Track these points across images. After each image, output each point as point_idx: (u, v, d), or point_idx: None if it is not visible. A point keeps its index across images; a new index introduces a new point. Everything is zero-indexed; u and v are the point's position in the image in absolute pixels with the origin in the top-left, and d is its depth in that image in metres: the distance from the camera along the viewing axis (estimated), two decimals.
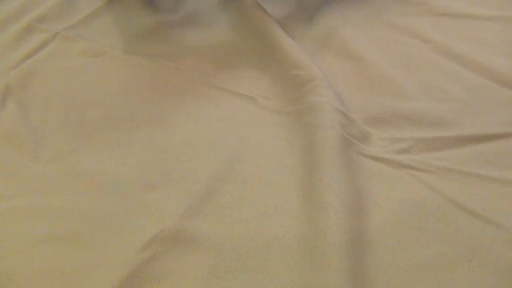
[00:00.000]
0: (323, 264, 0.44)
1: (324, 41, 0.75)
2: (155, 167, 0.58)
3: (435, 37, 0.74)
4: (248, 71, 0.71)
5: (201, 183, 0.55)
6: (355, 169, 0.52)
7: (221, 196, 0.54)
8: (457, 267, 0.44)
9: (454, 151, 0.55)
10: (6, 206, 0.55)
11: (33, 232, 0.52)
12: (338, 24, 0.78)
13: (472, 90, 0.63)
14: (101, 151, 0.61)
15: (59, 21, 0.88)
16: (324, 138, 0.54)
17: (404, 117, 0.60)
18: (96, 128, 0.65)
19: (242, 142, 0.60)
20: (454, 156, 0.54)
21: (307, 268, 0.45)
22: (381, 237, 0.47)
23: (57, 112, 0.68)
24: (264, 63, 0.71)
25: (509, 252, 0.45)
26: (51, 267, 0.48)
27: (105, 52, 0.80)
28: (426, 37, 0.74)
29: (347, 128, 0.56)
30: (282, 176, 0.54)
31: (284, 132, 0.60)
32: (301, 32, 0.77)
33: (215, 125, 0.63)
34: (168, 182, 0.56)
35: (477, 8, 0.79)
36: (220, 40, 0.77)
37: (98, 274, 0.48)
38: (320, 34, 0.76)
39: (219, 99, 0.67)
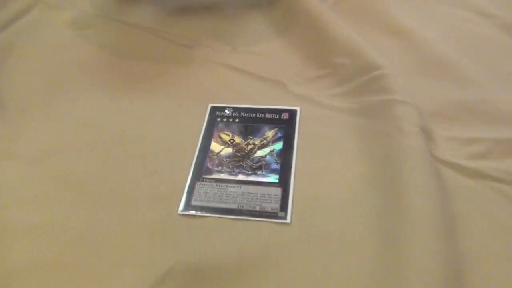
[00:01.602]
0: None
1: (361, 13, 0.62)
2: (162, 172, 0.46)
3: (494, 11, 0.61)
4: (273, 50, 0.58)
5: None
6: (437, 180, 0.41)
7: None
8: None
9: None
10: None
11: (14, 256, 0.41)
12: None
13: None
14: (92, 150, 0.49)
15: None
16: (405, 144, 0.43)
17: (473, 110, 0.48)
18: (85, 120, 0.52)
19: None
20: None
21: None
22: (468, 268, 0.36)
23: (39, 98, 0.55)
24: (294, 40, 0.58)
25: None
26: None
27: (95, 23, 0.66)
28: (483, 10, 0.61)
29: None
30: (350, 193, 0.43)
31: (334, 127, 0.48)
32: (331, 2, 0.63)
33: None
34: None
35: None
36: (235, 11, 0.64)
37: None
38: (356, 5, 0.63)
39: (238, 83, 0.55)
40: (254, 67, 0.56)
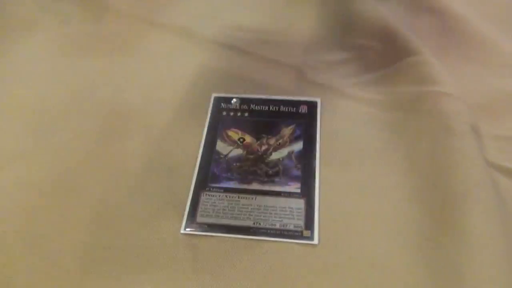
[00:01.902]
0: None
1: None
2: (158, 180, 0.38)
3: None
4: (287, 28, 0.50)
5: None
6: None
7: None
8: None
9: None
10: None
11: None
12: None
13: None
14: (69, 151, 0.41)
15: None
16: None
17: None
18: (58, 112, 0.44)
19: None
20: None
21: None
22: None
23: None
24: (312, 17, 0.49)
25: None
26: None
27: None
28: None
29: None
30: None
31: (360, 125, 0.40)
32: None
33: None
34: None
35: None
36: None
37: None
38: None
39: (245, 69, 0.46)
40: (265, 49, 0.47)
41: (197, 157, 0.40)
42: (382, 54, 0.44)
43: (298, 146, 0.40)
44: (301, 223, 0.35)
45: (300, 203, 0.36)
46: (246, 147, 0.40)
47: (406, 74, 0.41)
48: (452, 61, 0.45)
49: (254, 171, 0.39)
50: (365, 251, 0.33)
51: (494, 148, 0.39)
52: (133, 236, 0.35)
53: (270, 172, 0.39)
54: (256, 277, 0.33)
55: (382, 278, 0.32)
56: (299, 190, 0.37)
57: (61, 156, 0.40)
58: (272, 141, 0.41)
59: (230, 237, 0.35)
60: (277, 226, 0.35)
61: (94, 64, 0.48)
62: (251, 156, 0.40)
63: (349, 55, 0.46)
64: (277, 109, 0.43)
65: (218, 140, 0.41)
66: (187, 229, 0.35)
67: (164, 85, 0.45)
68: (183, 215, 0.36)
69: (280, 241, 0.34)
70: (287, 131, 0.41)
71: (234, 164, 0.39)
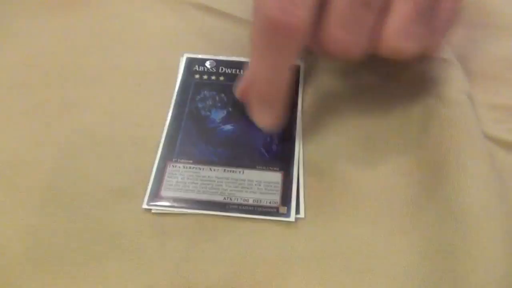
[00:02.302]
0: None
1: None
2: (119, 151, 0.34)
3: None
4: None
5: None
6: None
7: None
8: None
9: None
10: None
11: None
12: None
13: None
14: (19, 123, 0.36)
15: None
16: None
17: None
18: (13, 82, 0.39)
19: None
20: None
21: None
22: None
23: None
24: None
25: None
26: None
27: None
28: None
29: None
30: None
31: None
32: None
33: None
34: None
35: None
36: None
37: None
38: None
39: (219, 31, 0.42)
40: (240, 10, 0.43)
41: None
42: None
43: None
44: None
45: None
46: None
47: None
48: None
49: None
50: (353, 229, 0.30)
51: (490, 119, 0.35)
52: (91, 217, 0.31)
53: None
54: (227, 259, 0.29)
55: (371, 262, 0.29)
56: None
57: (12, 129, 0.36)
58: None
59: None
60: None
61: (50, 24, 0.43)
62: None
63: None
64: None
65: None
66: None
67: (129, 46, 0.41)
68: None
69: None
70: None
71: None
